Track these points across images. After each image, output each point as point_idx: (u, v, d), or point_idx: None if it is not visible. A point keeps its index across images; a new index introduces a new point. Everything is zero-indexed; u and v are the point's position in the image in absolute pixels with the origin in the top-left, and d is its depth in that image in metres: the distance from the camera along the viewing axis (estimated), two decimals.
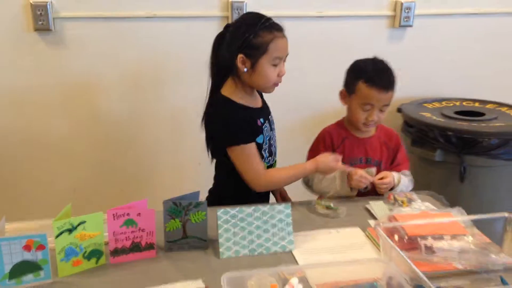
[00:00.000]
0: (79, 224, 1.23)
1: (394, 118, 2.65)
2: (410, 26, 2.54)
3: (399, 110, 2.56)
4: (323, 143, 1.81)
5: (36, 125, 2.31)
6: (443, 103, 2.64)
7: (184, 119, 2.44)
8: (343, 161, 1.72)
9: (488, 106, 2.61)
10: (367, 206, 1.65)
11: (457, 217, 1.39)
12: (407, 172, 1.82)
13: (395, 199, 1.66)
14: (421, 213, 1.49)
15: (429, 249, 1.31)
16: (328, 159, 1.66)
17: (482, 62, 2.72)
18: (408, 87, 2.68)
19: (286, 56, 1.65)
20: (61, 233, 1.20)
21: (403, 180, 1.74)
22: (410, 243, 1.32)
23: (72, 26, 2.21)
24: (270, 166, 1.75)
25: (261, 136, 1.67)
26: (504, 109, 2.57)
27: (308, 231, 1.48)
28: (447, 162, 2.32)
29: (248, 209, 1.40)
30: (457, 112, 2.48)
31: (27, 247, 1.17)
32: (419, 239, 1.32)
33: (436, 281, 1.18)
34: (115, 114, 2.37)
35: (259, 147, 1.67)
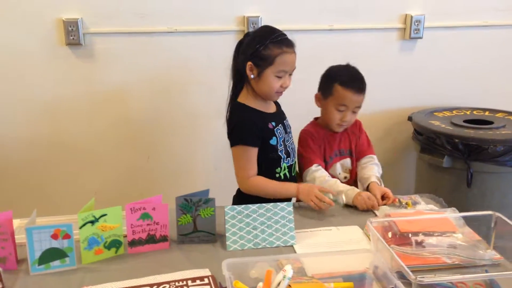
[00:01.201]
0: (101, 216, 1.37)
1: (405, 127, 2.73)
2: (420, 38, 2.62)
3: (409, 118, 2.64)
4: (311, 139, 1.93)
5: (66, 131, 2.47)
6: (454, 112, 2.70)
7: (203, 125, 2.57)
8: (325, 158, 1.93)
9: (498, 115, 2.66)
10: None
11: (447, 214, 1.48)
12: (373, 156, 1.99)
13: (400, 202, 1.75)
14: (415, 212, 1.58)
15: (419, 244, 1.41)
16: (309, 188, 1.71)
17: (491, 72, 2.78)
18: (418, 96, 2.76)
19: (293, 70, 1.76)
20: (85, 224, 1.35)
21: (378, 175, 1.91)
22: (402, 239, 1.42)
23: (100, 41, 2.38)
24: (290, 166, 1.86)
25: (274, 138, 1.79)
26: None
27: (309, 228, 1.59)
28: (454, 168, 2.39)
29: (253, 206, 1.52)
30: (466, 121, 2.52)
31: (55, 236, 1.32)
32: (410, 235, 1.42)
33: (426, 274, 1.27)
34: (138, 120, 2.52)
35: (274, 148, 1.79)
